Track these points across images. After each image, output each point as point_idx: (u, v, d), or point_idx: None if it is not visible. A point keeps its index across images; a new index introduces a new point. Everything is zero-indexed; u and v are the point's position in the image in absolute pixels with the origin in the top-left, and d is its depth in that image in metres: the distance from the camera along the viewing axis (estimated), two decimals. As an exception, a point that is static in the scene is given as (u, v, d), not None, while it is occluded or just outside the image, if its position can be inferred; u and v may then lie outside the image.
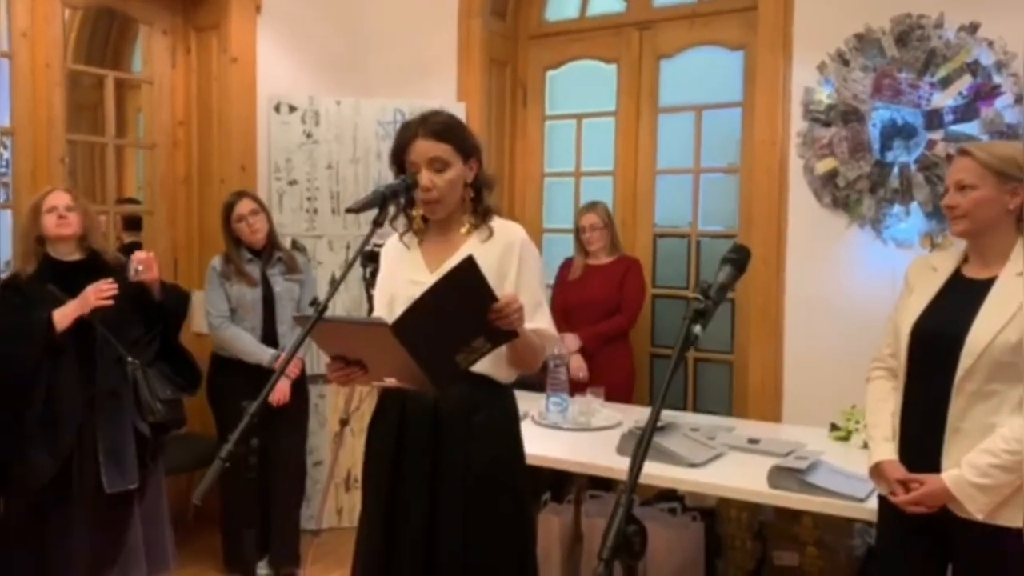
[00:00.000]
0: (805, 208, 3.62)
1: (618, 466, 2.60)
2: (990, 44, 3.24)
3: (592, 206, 3.91)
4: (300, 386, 3.47)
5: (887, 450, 2.05)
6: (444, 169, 1.97)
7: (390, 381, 1.91)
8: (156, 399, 2.78)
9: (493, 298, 1.77)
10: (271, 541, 3.47)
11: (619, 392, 3.61)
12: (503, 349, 1.90)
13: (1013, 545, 1.91)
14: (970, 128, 3.27)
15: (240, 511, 3.27)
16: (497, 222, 2.06)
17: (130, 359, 2.78)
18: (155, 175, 3.99)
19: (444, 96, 4.28)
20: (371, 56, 4.49)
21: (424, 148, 1.96)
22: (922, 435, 2.00)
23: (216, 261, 3.43)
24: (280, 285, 3.44)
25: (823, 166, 3.55)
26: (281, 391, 3.33)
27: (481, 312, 1.76)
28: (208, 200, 3.96)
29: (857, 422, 2.94)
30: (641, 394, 4.20)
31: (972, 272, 2.04)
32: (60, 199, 2.77)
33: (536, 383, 3.21)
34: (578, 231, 3.89)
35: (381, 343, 1.70)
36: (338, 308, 4.02)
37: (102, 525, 2.71)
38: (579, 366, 3.67)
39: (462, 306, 1.75)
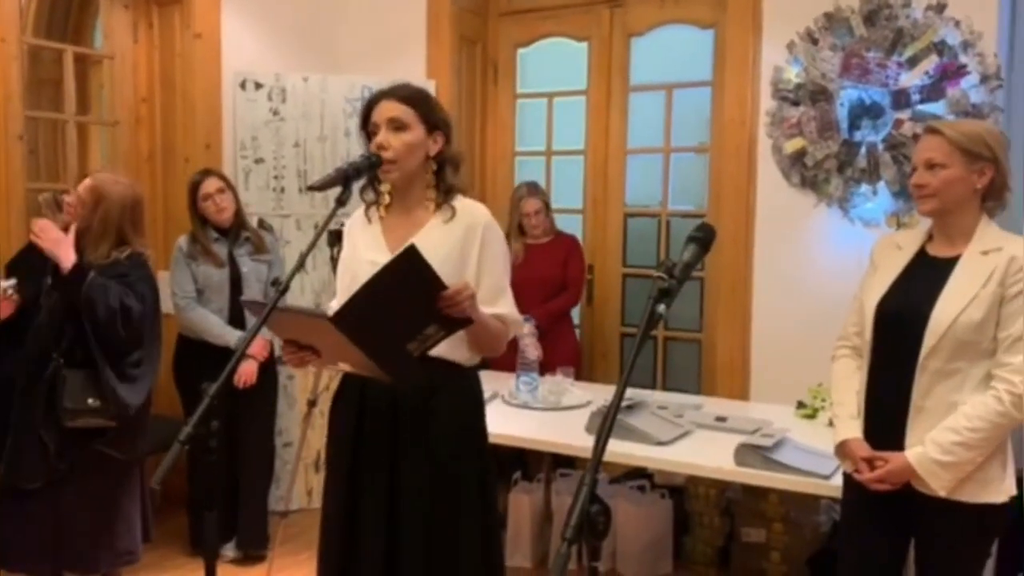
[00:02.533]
0: (773, 187, 3.63)
1: (587, 444, 2.60)
2: (956, 24, 3.25)
3: (533, 190, 3.93)
4: (268, 368, 3.44)
5: (852, 428, 2.07)
6: (402, 130, 1.93)
7: (343, 366, 1.88)
8: (65, 406, 2.57)
9: (441, 286, 1.74)
10: (239, 523, 3.45)
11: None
12: (462, 332, 1.88)
13: (974, 521, 1.95)
14: (936, 108, 3.29)
15: (204, 494, 3.24)
16: (461, 202, 2.02)
17: (55, 355, 2.62)
18: (118, 153, 3.91)
19: (413, 73, 4.22)
20: (339, 33, 4.42)
21: (386, 108, 1.95)
22: (886, 413, 2.02)
23: (182, 241, 3.38)
24: (247, 265, 3.39)
25: (791, 145, 3.56)
26: (248, 373, 3.29)
27: (429, 300, 1.73)
28: (173, 178, 3.90)
29: (823, 400, 2.97)
30: (609, 372, 4.22)
31: (936, 250, 2.05)
32: (82, 186, 2.73)
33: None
34: (513, 212, 3.89)
35: (329, 333, 1.67)
36: (306, 290, 3.99)
37: (25, 518, 2.63)
38: (531, 344, 3.67)
39: (408, 295, 1.72)
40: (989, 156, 1.96)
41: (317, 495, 3.98)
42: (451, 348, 1.94)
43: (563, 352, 3.78)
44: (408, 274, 1.70)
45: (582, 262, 4.01)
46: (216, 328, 3.30)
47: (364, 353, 1.68)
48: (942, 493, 1.92)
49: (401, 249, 1.73)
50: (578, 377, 3.70)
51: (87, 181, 2.74)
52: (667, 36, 4.12)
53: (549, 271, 3.88)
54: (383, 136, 1.92)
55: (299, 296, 3.95)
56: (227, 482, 3.37)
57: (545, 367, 3.34)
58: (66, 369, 2.61)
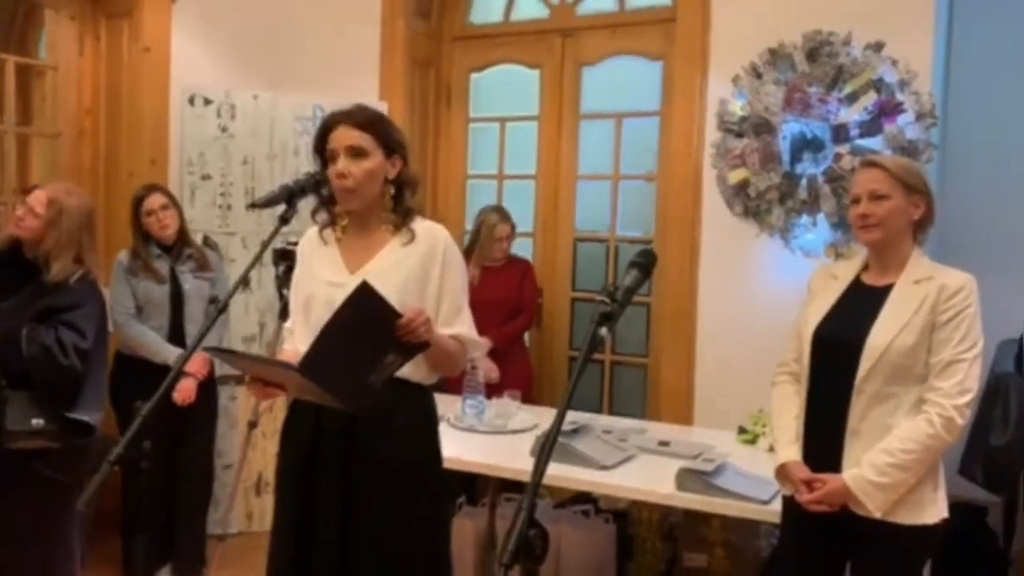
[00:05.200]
0: (718, 216, 3.70)
1: (531, 468, 2.60)
2: (894, 63, 3.37)
3: (505, 216, 3.95)
4: (209, 387, 3.38)
5: (792, 452, 2.11)
6: (362, 157, 1.93)
7: (308, 397, 1.88)
8: (3, 429, 2.49)
9: (396, 315, 1.75)
10: (175, 546, 3.36)
11: (521, 391, 3.65)
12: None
13: (907, 542, 2.00)
14: (874, 143, 3.40)
15: (135, 516, 3.16)
16: (420, 224, 2.03)
17: None
18: (59, 165, 3.83)
19: (366, 95, 4.22)
20: (291, 51, 4.40)
21: (344, 135, 1.93)
22: (824, 436, 2.07)
23: (123, 256, 3.32)
24: (189, 283, 3.34)
25: (735, 176, 3.64)
26: (187, 391, 3.23)
27: (387, 331, 1.75)
28: (116, 193, 3.82)
29: (764, 426, 3.01)
30: (555, 395, 4.23)
31: (871, 280, 2.12)
32: (34, 199, 2.64)
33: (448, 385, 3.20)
34: (485, 236, 3.90)
35: (292, 376, 1.69)
36: (251, 309, 3.93)
37: None
38: (491, 367, 3.68)
39: (367, 330, 1.73)
40: (924, 189, 2.06)
41: (257, 519, 3.90)
42: (410, 368, 1.93)
43: (517, 375, 3.79)
44: (364, 309, 1.72)
45: (535, 285, 4.06)
46: (155, 345, 3.23)
47: (329, 394, 1.71)
48: (877, 514, 1.97)
49: (353, 286, 1.73)
50: (529, 400, 3.72)
51: (40, 194, 2.65)
52: (617, 67, 4.19)
53: (504, 293, 3.90)
54: (343, 165, 1.92)
55: (243, 315, 3.90)
56: (165, 504, 3.28)
57: (500, 390, 3.35)
58: (8, 390, 2.52)
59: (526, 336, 4.15)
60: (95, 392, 2.69)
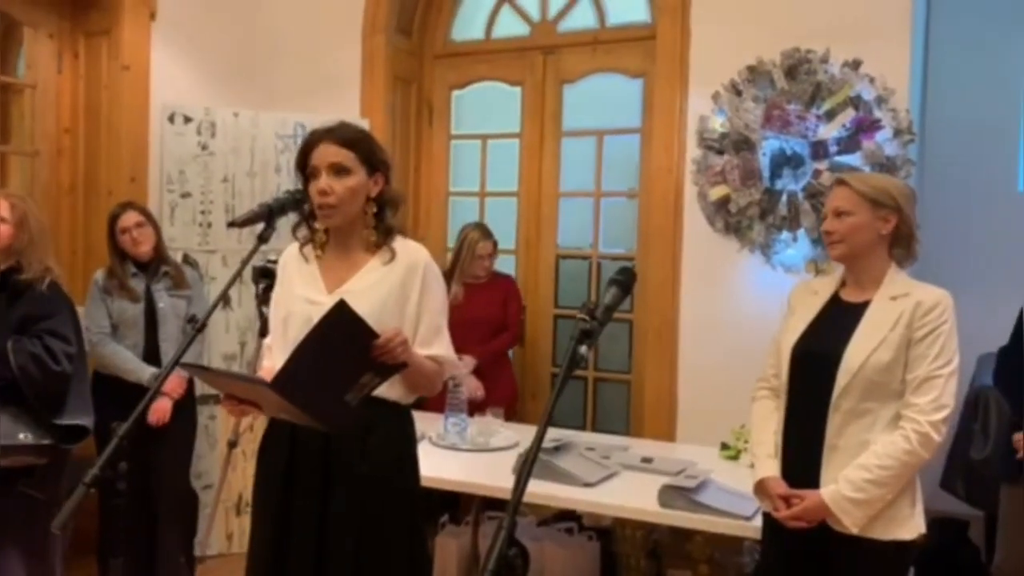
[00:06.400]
0: (699, 233, 3.72)
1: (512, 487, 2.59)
2: (871, 80, 3.41)
3: (486, 233, 3.93)
4: (186, 407, 3.34)
5: (770, 467, 2.12)
6: (344, 175, 1.92)
7: (283, 416, 1.86)
8: None
9: (373, 335, 1.75)
10: (155, 569, 3.31)
11: (506, 408, 3.69)
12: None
13: (885, 557, 2.01)
14: (852, 159, 3.43)
15: (111, 539, 3.12)
16: (400, 243, 2.02)
17: None
18: (38, 183, 3.80)
19: (347, 112, 4.22)
20: (272, 68, 4.40)
21: (327, 152, 1.92)
22: (802, 452, 2.08)
23: (98, 275, 3.30)
24: (164, 301, 3.31)
25: (716, 193, 3.66)
26: (161, 410, 3.20)
27: (364, 350, 1.74)
28: (95, 211, 3.79)
29: (746, 441, 3.02)
30: (538, 412, 4.22)
31: (849, 296, 2.14)
32: None
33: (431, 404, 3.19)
34: (466, 253, 3.88)
35: (267, 392, 1.67)
36: (231, 327, 3.90)
37: None
38: (476, 386, 3.68)
39: (343, 349, 1.72)
40: (892, 204, 2.06)
41: (236, 540, 3.85)
42: (386, 387, 1.92)
43: (501, 392, 3.80)
44: (340, 328, 1.71)
45: (520, 302, 4.05)
46: (129, 363, 3.20)
47: (303, 412, 1.69)
48: (854, 530, 1.97)
49: (331, 305, 1.73)
50: (514, 417, 3.71)
51: (2, 204, 2.65)
52: (598, 84, 4.21)
53: (488, 311, 3.88)
54: (325, 182, 1.91)
55: (223, 333, 3.87)
56: (142, 525, 3.24)
57: (484, 407, 3.35)
58: None
59: (510, 353, 4.14)
60: (81, 396, 2.71)
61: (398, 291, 1.96)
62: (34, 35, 3.76)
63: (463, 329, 3.79)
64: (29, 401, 2.57)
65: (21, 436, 2.54)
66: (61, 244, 3.83)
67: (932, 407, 1.96)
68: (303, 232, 2.04)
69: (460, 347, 3.70)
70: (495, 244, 3.96)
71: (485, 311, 3.86)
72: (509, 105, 4.39)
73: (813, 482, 2.03)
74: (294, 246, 2.07)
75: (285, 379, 1.66)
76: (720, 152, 3.66)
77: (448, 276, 3.95)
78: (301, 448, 1.95)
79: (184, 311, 3.34)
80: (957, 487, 3.43)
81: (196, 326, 1.64)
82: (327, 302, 1.85)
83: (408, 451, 2.07)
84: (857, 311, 2.07)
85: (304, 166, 1.97)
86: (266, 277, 2.61)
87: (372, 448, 1.95)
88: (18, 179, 4.30)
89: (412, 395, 2.04)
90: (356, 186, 1.93)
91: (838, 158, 3.46)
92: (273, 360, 2.03)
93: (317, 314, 1.80)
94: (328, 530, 1.93)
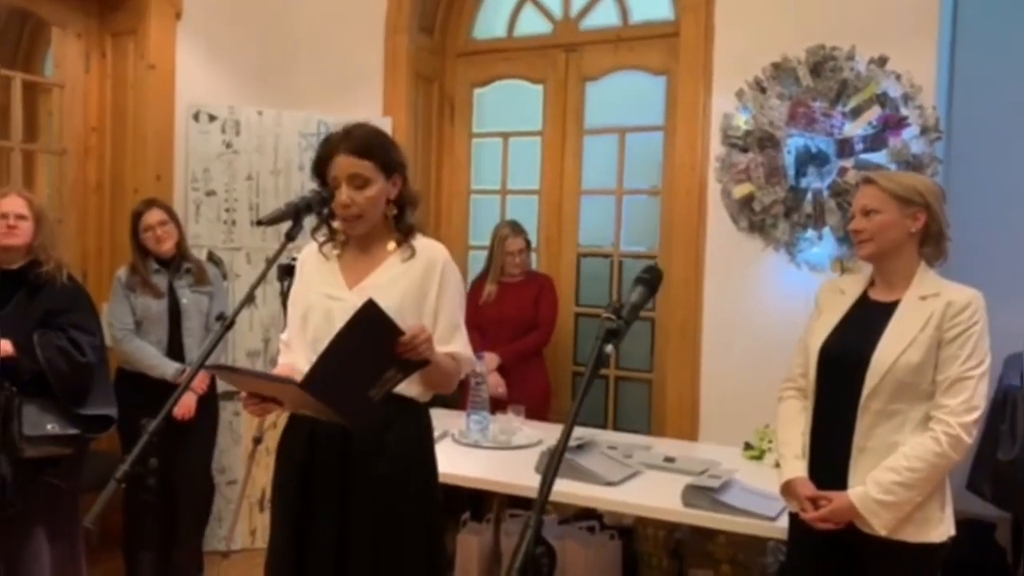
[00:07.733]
0: (723, 231, 3.70)
1: (537, 484, 2.58)
2: (898, 77, 3.37)
3: (517, 230, 3.92)
4: (209, 402, 3.37)
5: (797, 468, 2.10)
6: (365, 186, 1.94)
7: (304, 412, 1.88)
8: (21, 435, 2.52)
9: (399, 332, 1.76)
10: (172, 563, 3.34)
11: (536, 407, 3.67)
12: None
13: (914, 560, 1.98)
14: (879, 157, 3.40)
15: (139, 533, 3.14)
16: (420, 241, 2.04)
17: (7, 384, 2.56)
18: (65, 182, 3.84)
19: (370, 110, 4.24)
20: (295, 67, 4.42)
21: (345, 164, 1.94)
22: (830, 453, 2.06)
23: (121, 272, 3.33)
24: (187, 297, 3.34)
25: (740, 191, 3.63)
26: (186, 406, 3.22)
27: (389, 347, 1.76)
28: (120, 209, 3.82)
29: (770, 441, 3.00)
30: (561, 410, 4.21)
31: (878, 295, 2.11)
32: (13, 205, 2.68)
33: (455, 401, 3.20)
34: (498, 251, 3.89)
35: (292, 390, 1.69)
36: (255, 325, 3.93)
37: None
38: (497, 383, 3.68)
39: (369, 346, 1.74)
40: (921, 202, 2.03)
41: (260, 535, 3.88)
42: (406, 384, 1.93)
43: (533, 391, 3.78)
44: (368, 327, 1.72)
45: (555, 302, 3.97)
46: (153, 360, 3.23)
47: (330, 409, 1.71)
48: (883, 532, 1.95)
49: (360, 305, 1.74)
50: (545, 416, 3.70)
51: (16, 199, 2.71)
52: (620, 81, 4.19)
53: (520, 310, 3.85)
54: (346, 195, 1.93)
55: (247, 331, 3.89)
56: (162, 520, 3.27)
57: (506, 405, 3.37)
58: (20, 397, 2.57)
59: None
60: (104, 386, 2.77)
61: (417, 288, 1.97)
62: (62, 35, 3.80)
63: (494, 327, 3.83)
64: (54, 392, 2.61)
65: (48, 427, 2.60)
66: (87, 242, 3.88)
67: (963, 408, 1.93)
68: (323, 232, 2.05)
69: (489, 345, 3.77)
70: (527, 240, 3.93)
71: (517, 310, 3.84)
72: (531, 103, 4.39)
73: (841, 484, 2.01)
74: (313, 245, 2.10)
75: (316, 379, 1.67)
76: (744, 150, 3.63)
77: (484, 275, 3.96)
78: (319, 446, 1.97)
79: (206, 307, 3.37)
80: (984, 489, 3.39)
81: (225, 324, 1.65)
82: (348, 298, 1.88)
83: (426, 448, 2.08)
84: (886, 311, 2.04)
85: (321, 172, 1.98)
86: (290, 275, 2.63)
87: (389, 445, 1.96)
88: (45, 177, 4.36)
89: (429, 393, 2.05)
90: (376, 195, 1.96)
91: (864, 156, 3.42)
92: (291, 355, 2.05)
93: (337, 309, 1.82)
94: (347, 527, 1.94)
